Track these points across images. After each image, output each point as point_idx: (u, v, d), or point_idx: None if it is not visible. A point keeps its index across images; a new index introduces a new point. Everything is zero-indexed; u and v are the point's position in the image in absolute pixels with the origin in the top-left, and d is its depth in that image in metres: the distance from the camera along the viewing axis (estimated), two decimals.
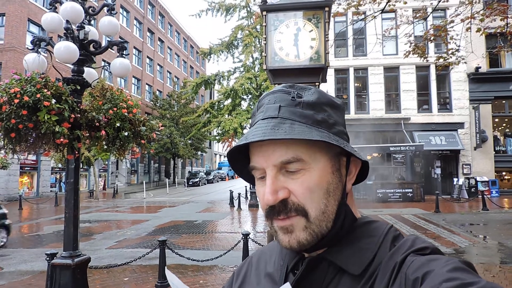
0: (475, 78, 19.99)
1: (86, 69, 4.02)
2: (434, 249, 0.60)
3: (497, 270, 6.44)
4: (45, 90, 3.29)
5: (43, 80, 3.38)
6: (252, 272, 0.80)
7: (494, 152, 20.20)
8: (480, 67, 19.66)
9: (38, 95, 3.21)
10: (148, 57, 40.71)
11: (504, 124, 21.57)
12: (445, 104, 20.84)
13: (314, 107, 0.67)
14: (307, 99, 0.68)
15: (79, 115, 3.60)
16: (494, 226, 10.92)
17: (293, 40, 3.71)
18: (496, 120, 21.04)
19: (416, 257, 0.58)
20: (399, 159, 19.11)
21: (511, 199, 17.43)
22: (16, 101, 3.19)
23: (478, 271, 0.53)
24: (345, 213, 0.67)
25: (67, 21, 3.69)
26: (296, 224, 0.64)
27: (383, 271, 0.60)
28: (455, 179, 19.42)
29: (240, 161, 0.75)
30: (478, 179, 18.87)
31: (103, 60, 26.18)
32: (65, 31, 3.71)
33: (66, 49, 3.55)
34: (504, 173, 21.06)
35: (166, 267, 0.60)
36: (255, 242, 7.21)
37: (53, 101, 3.31)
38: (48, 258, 4.64)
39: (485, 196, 14.62)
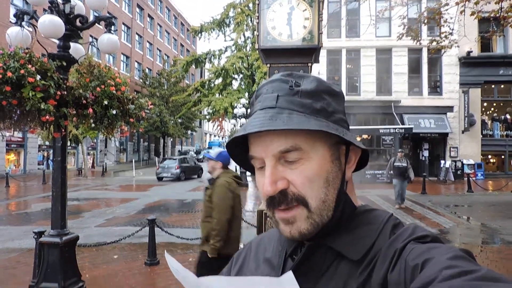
0: (466, 62, 20.06)
1: (72, 44, 3.90)
2: (435, 238, 0.60)
3: (478, 250, 6.64)
4: (30, 66, 3.18)
5: (27, 55, 3.27)
6: (251, 257, 0.81)
7: (481, 136, 20.52)
8: (471, 51, 19.70)
9: (22, 71, 3.11)
10: (137, 34, 39.79)
11: (492, 109, 21.85)
12: (435, 88, 20.95)
13: (312, 95, 0.66)
14: (305, 87, 0.67)
15: (65, 92, 3.51)
16: (478, 208, 11.19)
17: (286, 19, 3.63)
18: (485, 104, 21.27)
19: (417, 244, 0.58)
20: (388, 141, 19.28)
21: (496, 182, 17.83)
22: None
23: None
24: (344, 202, 0.68)
25: None
26: (298, 215, 0.64)
27: (383, 257, 0.60)
28: (442, 162, 19.75)
29: (240, 151, 0.75)
30: (464, 162, 19.22)
31: (91, 36, 25.52)
32: (49, 4, 3.57)
33: (51, 23, 3.42)
34: (490, 157, 21.50)
35: (165, 251, 0.59)
36: (245, 221, 7.26)
37: (38, 77, 3.21)
38: (35, 236, 4.62)
39: (470, 178, 14.93)
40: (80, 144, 22.84)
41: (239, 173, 18.27)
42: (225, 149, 3.68)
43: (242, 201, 3.82)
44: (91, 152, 31.43)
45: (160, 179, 21.14)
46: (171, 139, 46.48)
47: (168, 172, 20.89)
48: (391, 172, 10.82)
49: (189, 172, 22.39)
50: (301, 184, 0.63)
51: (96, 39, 3.99)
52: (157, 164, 30.21)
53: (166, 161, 21.87)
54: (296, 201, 0.63)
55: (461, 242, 7.35)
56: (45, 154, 27.02)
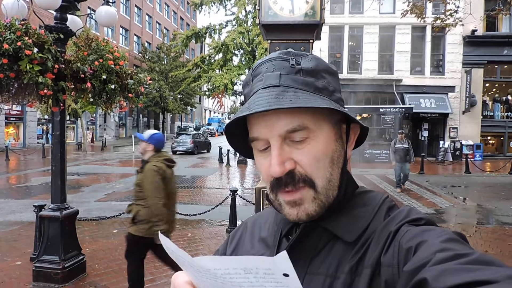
0: (470, 41, 19.74)
1: (70, 16, 3.82)
2: (428, 220, 0.60)
3: (473, 231, 6.74)
4: (26, 38, 3.12)
5: (24, 27, 3.20)
6: (247, 236, 0.81)
7: (481, 117, 20.44)
8: (476, 30, 19.34)
9: (19, 43, 3.05)
10: (136, 6, 38.97)
11: (494, 89, 21.67)
12: (438, 67, 20.70)
13: (313, 74, 0.65)
14: (306, 66, 0.66)
15: (63, 66, 3.46)
16: (475, 189, 11.29)
17: None
18: (487, 85, 21.09)
19: (410, 227, 0.58)
20: (388, 120, 19.22)
21: (493, 163, 17.91)
22: None
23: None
24: (347, 180, 0.67)
25: None
26: (305, 197, 0.63)
27: (377, 239, 0.60)
28: (441, 142, 19.76)
29: (237, 134, 0.73)
30: (463, 142, 19.22)
31: (89, 8, 25.01)
32: None
33: None
34: (489, 138, 21.50)
35: (159, 232, 0.58)
36: (243, 198, 7.35)
37: (35, 49, 3.15)
38: (36, 210, 4.66)
39: (468, 159, 14.98)
40: (79, 118, 22.77)
41: (237, 157, 18.27)
42: (159, 132, 3.59)
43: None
44: (91, 127, 31.37)
45: (174, 152, 22.44)
46: (171, 115, 46.33)
47: (183, 146, 22.98)
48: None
49: (201, 146, 24.52)
50: (309, 164, 0.62)
51: (94, 11, 3.91)
52: None
53: (181, 136, 24.06)
54: (303, 182, 0.62)
55: (456, 222, 7.45)
56: (44, 128, 26.97)
